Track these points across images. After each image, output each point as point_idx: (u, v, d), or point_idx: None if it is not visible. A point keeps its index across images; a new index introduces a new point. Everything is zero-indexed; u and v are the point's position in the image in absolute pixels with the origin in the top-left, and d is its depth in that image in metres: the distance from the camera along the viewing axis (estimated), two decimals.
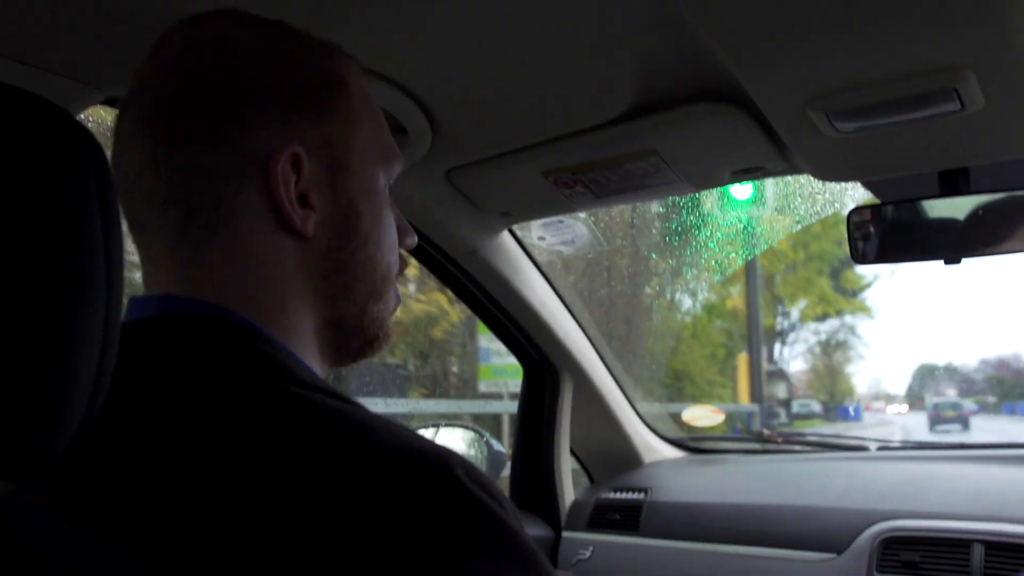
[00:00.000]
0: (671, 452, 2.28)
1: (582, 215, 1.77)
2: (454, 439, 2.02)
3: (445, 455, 0.62)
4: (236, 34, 0.74)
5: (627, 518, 1.95)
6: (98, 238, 0.51)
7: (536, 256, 1.82)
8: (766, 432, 2.31)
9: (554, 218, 1.68)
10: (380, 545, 0.55)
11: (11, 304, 0.46)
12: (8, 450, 0.47)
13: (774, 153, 1.30)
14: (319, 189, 0.74)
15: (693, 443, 2.35)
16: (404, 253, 0.87)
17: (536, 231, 1.73)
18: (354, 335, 0.80)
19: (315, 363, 0.77)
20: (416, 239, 0.89)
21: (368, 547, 0.55)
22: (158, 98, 0.72)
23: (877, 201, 1.47)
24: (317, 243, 0.75)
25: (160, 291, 0.73)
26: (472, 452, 1.96)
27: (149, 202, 0.72)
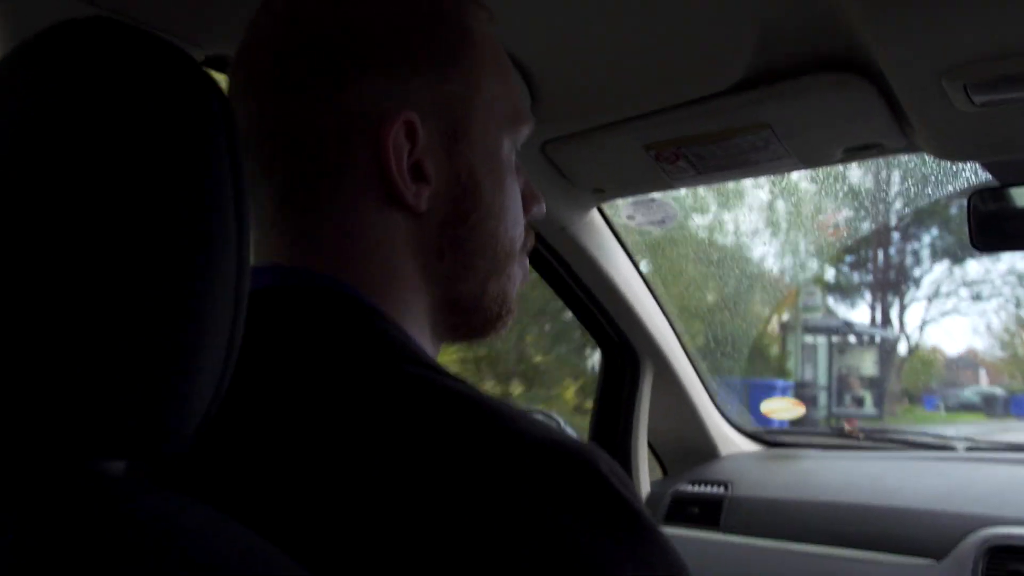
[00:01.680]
0: (748, 445, 2.20)
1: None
2: None
3: (590, 450, 0.56)
4: None
5: (707, 512, 1.88)
6: (228, 192, 0.46)
7: (623, 237, 1.76)
8: (847, 427, 2.23)
9: (645, 196, 1.62)
10: (527, 538, 0.50)
11: (140, 268, 0.42)
12: (138, 429, 0.43)
13: (894, 129, 1.22)
14: (435, 158, 0.67)
15: (770, 436, 2.27)
16: (528, 224, 0.79)
17: (625, 210, 1.66)
18: (473, 314, 0.73)
19: (427, 344, 0.71)
20: (545, 208, 0.82)
21: (514, 540, 0.50)
22: (266, 50, 0.67)
23: (997, 184, 1.39)
24: (431, 218, 0.68)
25: (267, 260, 0.68)
26: None
27: (257, 162, 0.67)
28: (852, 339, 16.16)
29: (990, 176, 1.43)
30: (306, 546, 0.49)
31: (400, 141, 0.65)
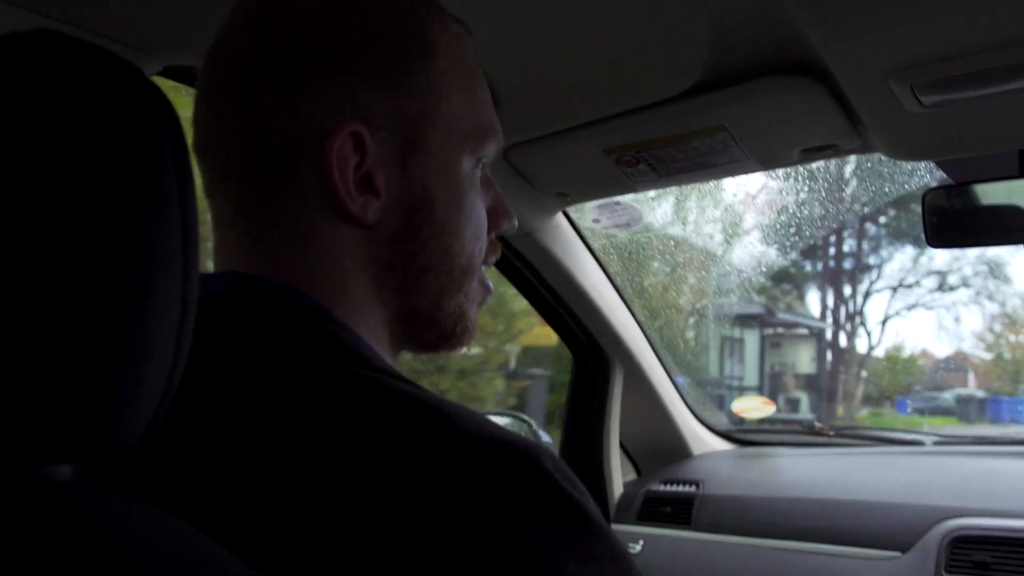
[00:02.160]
0: (720, 444, 2.22)
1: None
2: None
3: (534, 446, 0.57)
4: None
5: (679, 511, 1.90)
6: (173, 203, 0.47)
7: (590, 240, 1.78)
8: (817, 425, 2.25)
9: (610, 200, 1.63)
10: (471, 535, 0.51)
11: (84, 275, 0.42)
12: (84, 433, 0.43)
13: (848, 129, 1.24)
14: (387, 171, 0.67)
15: (742, 435, 2.29)
16: (494, 240, 0.78)
17: (591, 213, 1.68)
18: (428, 329, 0.73)
19: (384, 352, 0.71)
20: (516, 223, 0.81)
21: (457, 536, 0.51)
22: (227, 57, 0.68)
23: (951, 182, 1.41)
24: (381, 231, 0.68)
25: (224, 266, 0.69)
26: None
27: (213, 167, 0.68)
28: (783, 331, 14.77)
29: (944, 175, 1.46)
30: (256, 548, 0.50)
31: (346, 152, 0.65)
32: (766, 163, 1.36)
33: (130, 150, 0.45)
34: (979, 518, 1.51)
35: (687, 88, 1.20)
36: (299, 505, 0.52)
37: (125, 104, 0.46)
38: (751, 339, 13.80)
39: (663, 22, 1.04)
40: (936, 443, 2.03)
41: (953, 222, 1.38)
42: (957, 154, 1.29)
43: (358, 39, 0.66)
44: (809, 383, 14.63)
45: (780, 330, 14.91)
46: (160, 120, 0.47)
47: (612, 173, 1.43)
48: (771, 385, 14.06)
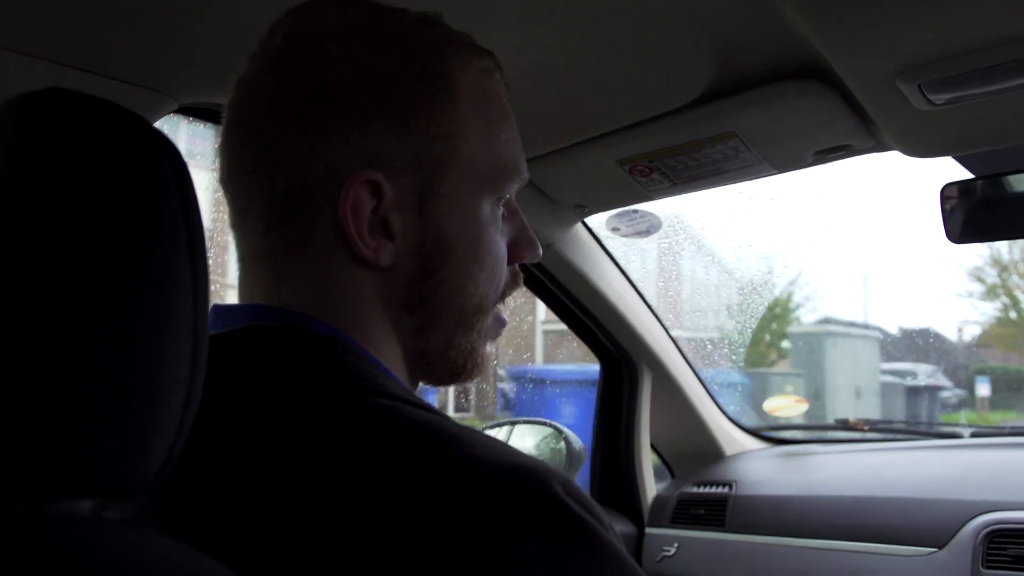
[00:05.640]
0: (753, 444, 2.22)
1: None
2: (531, 436, 2.00)
3: (543, 470, 0.58)
4: (336, 27, 0.68)
5: (712, 513, 1.90)
6: (182, 248, 0.49)
7: (610, 248, 1.79)
8: (851, 420, 2.24)
9: (628, 208, 1.64)
10: (481, 560, 0.53)
11: (98, 316, 0.45)
12: (101, 470, 0.46)
13: (861, 130, 1.24)
14: (403, 215, 0.68)
15: (775, 433, 2.29)
16: (516, 270, 0.79)
17: (610, 222, 1.69)
18: (440, 366, 0.75)
19: (404, 380, 0.73)
20: (540, 252, 0.81)
21: (468, 562, 0.52)
22: (250, 99, 0.69)
23: (970, 176, 1.40)
24: (398, 273, 0.69)
25: (249, 299, 0.71)
26: (550, 449, 1.93)
27: (237, 203, 0.71)
28: None
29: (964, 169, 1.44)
30: (267, 572, 0.52)
31: (361, 200, 0.66)
32: (780, 166, 1.37)
33: (139, 199, 0.48)
34: (1016, 511, 1.50)
35: (696, 97, 1.21)
36: (314, 532, 0.54)
37: (133, 155, 0.49)
38: None
39: (669, 34, 1.06)
40: (973, 435, 2.01)
41: (973, 216, 1.37)
42: (972, 149, 1.29)
43: (378, 82, 0.67)
44: None
45: None
46: (167, 168, 0.50)
47: (627, 183, 1.45)
48: None
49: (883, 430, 2.25)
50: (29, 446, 0.43)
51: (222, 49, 0.75)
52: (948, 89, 1.05)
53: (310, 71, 0.67)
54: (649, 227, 1.67)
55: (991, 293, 16.89)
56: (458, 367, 0.75)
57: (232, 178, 0.70)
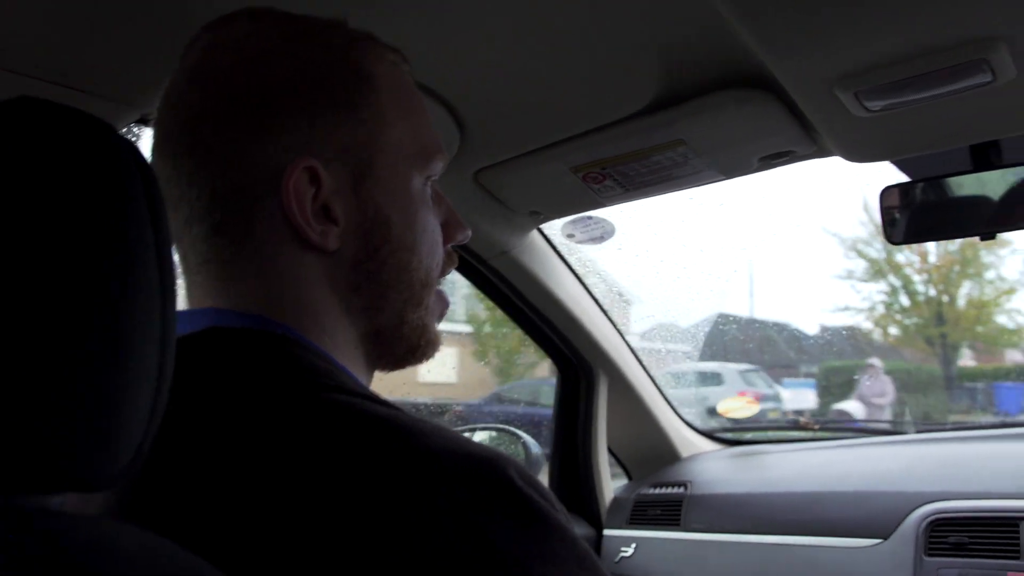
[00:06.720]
0: (708, 445, 2.27)
1: None
2: (490, 442, 2.02)
3: (497, 457, 0.61)
4: (251, 35, 0.72)
5: (668, 513, 1.94)
6: (150, 250, 0.51)
7: (565, 254, 1.82)
8: (802, 420, 2.31)
9: (582, 214, 1.68)
10: (440, 543, 0.55)
11: (70, 319, 0.47)
12: (72, 465, 0.47)
13: (803, 137, 1.29)
14: (342, 199, 0.72)
15: (729, 435, 2.34)
16: (451, 251, 0.83)
17: (564, 228, 1.72)
18: (395, 344, 0.78)
19: (360, 372, 0.76)
20: (470, 233, 0.86)
21: (428, 545, 0.55)
22: (179, 110, 0.72)
23: (907, 179, 1.46)
24: (343, 255, 0.73)
25: (200, 304, 0.73)
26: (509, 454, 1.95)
27: (176, 216, 0.72)
28: None
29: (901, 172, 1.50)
30: (242, 566, 0.54)
31: (302, 187, 0.70)
32: (727, 172, 1.41)
33: (107, 203, 0.50)
34: (956, 501, 1.56)
35: (645, 106, 1.25)
36: (280, 524, 0.56)
37: (102, 161, 0.50)
38: None
39: (615, 45, 1.09)
40: (919, 431, 2.08)
41: (910, 218, 1.43)
42: (909, 153, 1.34)
43: (301, 81, 0.71)
44: None
45: None
46: (134, 173, 0.52)
47: (580, 190, 1.48)
48: None
49: (833, 428, 2.32)
50: (1, 442, 0.45)
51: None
52: (883, 96, 1.09)
53: (231, 76, 0.71)
54: (603, 233, 1.71)
55: (875, 272, 16.19)
56: (412, 344, 0.79)
57: (169, 191, 0.72)
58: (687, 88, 1.22)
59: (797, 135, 1.28)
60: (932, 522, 1.54)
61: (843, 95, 1.09)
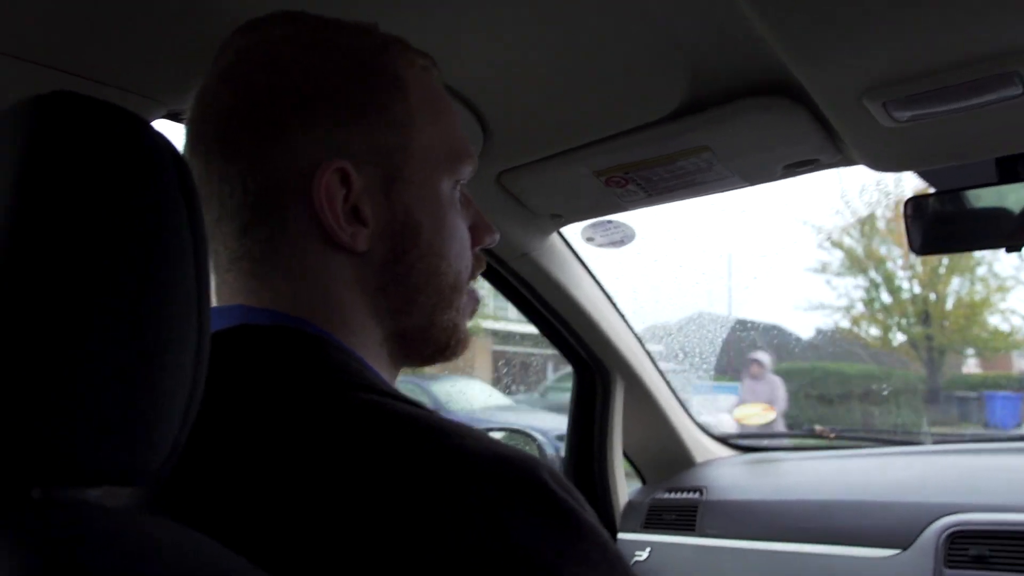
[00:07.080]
0: (723, 451, 2.26)
1: None
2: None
3: (530, 459, 0.61)
4: (285, 38, 0.73)
5: (683, 518, 1.94)
6: (187, 245, 0.52)
7: (584, 258, 1.82)
8: (818, 428, 2.30)
9: (602, 218, 1.68)
10: (471, 543, 0.55)
11: (110, 313, 0.47)
12: (110, 459, 0.48)
13: (828, 145, 1.29)
14: (372, 201, 0.73)
15: (744, 442, 2.33)
16: (479, 254, 0.84)
17: (584, 232, 1.72)
18: (424, 344, 0.79)
19: (385, 370, 0.76)
20: (498, 237, 0.86)
21: (460, 547, 0.55)
22: (212, 110, 0.73)
23: (932, 190, 1.45)
24: (372, 257, 0.73)
25: (230, 302, 0.74)
26: None
27: (207, 214, 0.72)
28: None
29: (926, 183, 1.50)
30: (278, 563, 0.55)
31: (333, 188, 0.70)
32: (750, 179, 1.41)
33: (145, 197, 0.51)
34: (976, 513, 1.55)
35: (671, 111, 1.25)
36: (312, 521, 0.56)
37: (138, 155, 0.51)
38: None
39: (643, 51, 1.09)
40: (935, 442, 2.07)
41: (935, 229, 1.42)
42: (935, 164, 1.33)
43: (333, 83, 0.72)
44: None
45: None
46: (168, 166, 0.52)
47: (602, 194, 1.48)
48: None
49: (848, 437, 2.30)
50: (43, 435, 0.45)
51: (210, 55, 0.78)
52: (911, 107, 1.09)
53: (264, 77, 0.71)
54: (623, 237, 1.70)
55: (853, 265, 15.13)
56: (442, 344, 0.79)
57: (200, 189, 0.73)
58: (713, 94, 1.21)
59: (822, 143, 1.28)
60: (952, 534, 1.53)
61: (871, 105, 1.08)
